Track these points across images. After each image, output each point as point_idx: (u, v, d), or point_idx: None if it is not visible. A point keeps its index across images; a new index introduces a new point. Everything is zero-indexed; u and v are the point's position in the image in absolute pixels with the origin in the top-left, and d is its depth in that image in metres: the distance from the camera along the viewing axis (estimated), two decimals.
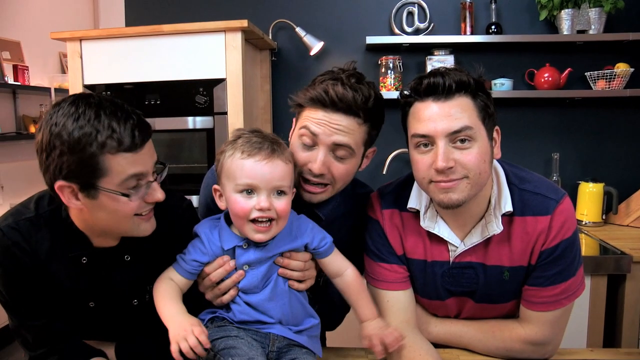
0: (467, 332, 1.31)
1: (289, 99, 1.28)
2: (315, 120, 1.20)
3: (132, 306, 1.23)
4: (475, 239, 1.22)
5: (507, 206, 1.19)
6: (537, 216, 1.19)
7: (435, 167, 1.12)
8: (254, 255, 1.13)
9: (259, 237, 1.09)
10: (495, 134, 1.19)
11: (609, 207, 2.61)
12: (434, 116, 1.12)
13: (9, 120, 4.05)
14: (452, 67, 1.18)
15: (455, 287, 1.27)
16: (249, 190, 1.08)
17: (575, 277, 1.21)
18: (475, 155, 1.12)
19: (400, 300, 1.30)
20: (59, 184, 1.02)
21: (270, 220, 1.08)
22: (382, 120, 1.30)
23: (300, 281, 1.19)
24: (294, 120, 1.31)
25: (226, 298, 1.15)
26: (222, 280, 1.15)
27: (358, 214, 1.39)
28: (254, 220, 1.08)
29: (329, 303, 1.35)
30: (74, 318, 1.19)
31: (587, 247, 2.29)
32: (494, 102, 1.18)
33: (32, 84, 4.30)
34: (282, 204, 1.09)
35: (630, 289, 2.13)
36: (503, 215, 1.20)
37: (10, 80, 4.10)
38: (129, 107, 1.06)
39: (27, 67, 4.28)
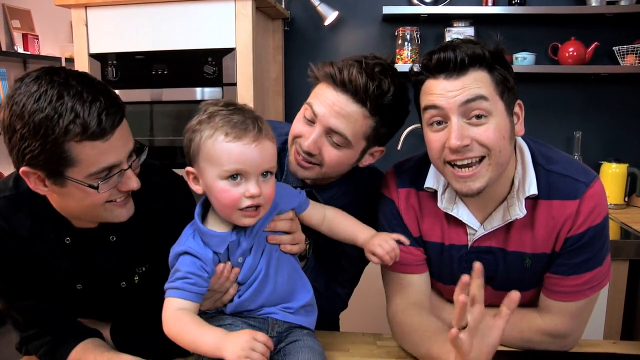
0: None
1: (309, 68, 1.21)
2: (321, 98, 1.15)
3: (120, 289, 1.17)
4: (496, 222, 1.15)
5: (532, 189, 1.11)
6: (564, 200, 1.10)
7: (449, 146, 1.03)
8: (246, 244, 1.05)
9: (248, 221, 1.02)
10: (517, 109, 1.10)
11: (633, 188, 2.51)
12: (446, 92, 1.04)
13: None
14: (466, 38, 1.09)
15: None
16: (235, 176, 0.99)
17: (602, 267, 1.13)
18: (492, 130, 1.03)
19: (414, 284, 1.23)
20: (23, 169, 0.94)
21: (258, 206, 1.01)
22: (399, 122, 1.22)
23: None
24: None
25: (227, 298, 1.07)
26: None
27: (365, 207, 1.30)
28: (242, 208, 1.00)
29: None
30: (63, 300, 1.14)
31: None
32: (514, 75, 1.08)
33: (43, 53, 4.25)
34: (269, 187, 1.01)
35: None
36: (527, 199, 1.11)
37: (20, 50, 4.06)
38: (101, 85, 0.95)
39: (38, 36, 4.23)
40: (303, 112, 1.19)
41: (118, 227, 1.10)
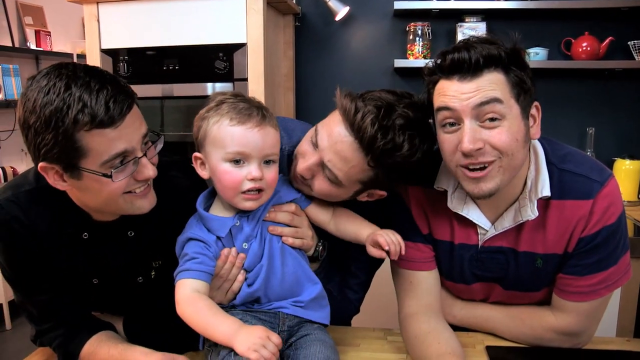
0: (494, 317, 1.23)
1: (337, 92, 1.11)
2: (328, 129, 1.09)
3: (137, 284, 1.18)
4: (507, 223, 1.13)
5: (545, 190, 1.08)
6: (577, 200, 1.08)
7: (462, 149, 1.00)
8: (249, 229, 1.07)
9: (249, 204, 1.04)
10: (534, 111, 1.06)
11: None
12: (460, 94, 1.00)
13: None
14: (483, 36, 1.04)
15: (483, 272, 1.19)
16: (238, 160, 1.01)
17: (618, 266, 1.10)
18: (506, 134, 1.00)
19: (424, 281, 1.22)
20: (41, 165, 0.95)
21: (260, 190, 1.03)
22: (408, 177, 1.16)
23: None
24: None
25: (236, 286, 1.08)
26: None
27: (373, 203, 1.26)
28: (244, 191, 1.02)
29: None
30: (78, 294, 1.14)
31: (627, 229, 2.18)
32: (532, 75, 1.04)
33: (55, 49, 4.28)
34: (272, 173, 1.04)
35: None
36: (539, 199, 1.09)
37: (33, 46, 4.09)
38: (109, 75, 0.95)
39: (50, 32, 4.26)
40: (312, 132, 1.14)
41: (136, 222, 1.10)
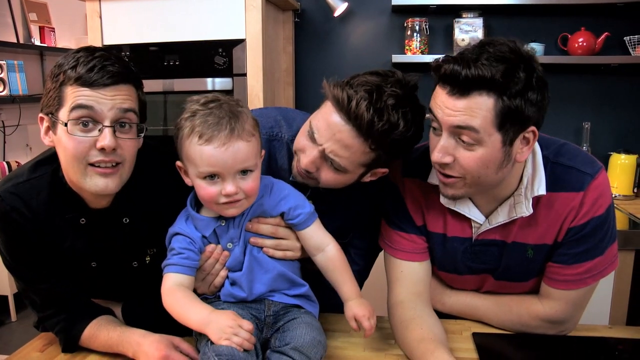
0: (482, 305, 1.27)
1: (324, 84, 1.13)
2: (323, 121, 1.10)
3: (132, 268, 1.22)
4: (501, 218, 1.15)
5: (541, 189, 1.09)
6: (569, 192, 1.10)
7: (431, 158, 1.04)
8: (233, 231, 1.10)
9: (230, 212, 1.06)
10: (529, 135, 1.02)
11: None
12: (444, 107, 1.00)
13: (37, 81, 4.09)
14: (500, 42, 0.98)
15: (476, 264, 1.22)
16: (212, 176, 1.02)
17: (604, 256, 1.13)
18: (476, 159, 1.00)
19: (414, 272, 1.25)
20: (39, 115, 1.07)
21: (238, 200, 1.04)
22: (406, 151, 1.18)
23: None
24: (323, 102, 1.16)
25: (218, 281, 1.12)
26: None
27: (370, 193, 1.29)
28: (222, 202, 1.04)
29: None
30: (78, 278, 1.19)
31: (616, 221, 2.20)
32: (541, 99, 0.99)
33: (59, 45, 4.33)
34: (249, 183, 1.03)
35: None
36: (533, 196, 1.11)
37: (38, 42, 4.13)
38: (117, 55, 1.06)
39: (54, 28, 4.30)
40: (307, 126, 1.14)
41: (130, 210, 1.15)
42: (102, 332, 1.16)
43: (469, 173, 1.03)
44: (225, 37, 2.27)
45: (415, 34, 2.63)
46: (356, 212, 1.32)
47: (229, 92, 2.29)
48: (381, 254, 1.34)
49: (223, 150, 0.99)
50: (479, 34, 2.57)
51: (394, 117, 1.06)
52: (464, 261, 1.23)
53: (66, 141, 1.01)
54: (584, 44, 2.50)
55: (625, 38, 2.51)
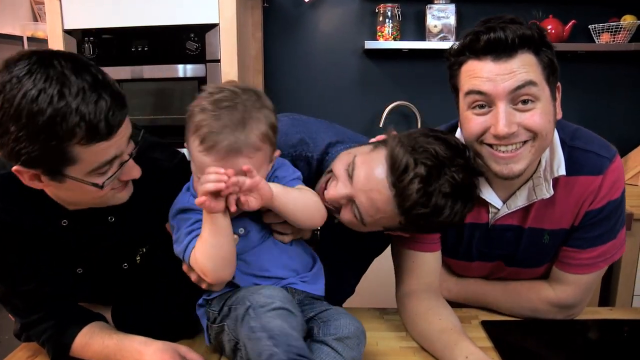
0: (491, 291, 1.26)
1: (389, 130, 1.08)
2: (365, 169, 1.03)
3: (122, 270, 1.13)
4: (520, 202, 1.13)
5: (561, 170, 1.09)
6: (588, 176, 1.10)
7: (496, 133, 0.99)
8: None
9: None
10: (556, 91, 1.06)
11: None
12: (494, 75, 0.98)
13: None
14: (508, 17, 1.01)
15: (491, 250, 1.21)
16: None
17: (616, 240, 1.15)
18: (540, 116, 0.99)
19: (427, 262, 1.22)
20: (16, 168, 0.87)
21: None
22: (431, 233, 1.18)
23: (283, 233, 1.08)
24: None
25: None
26: None
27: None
28: None
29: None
30: (63, 285, 1.09)
31: None
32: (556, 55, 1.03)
33: (3, 32, 4.04)
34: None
35: (629, 247, 2.11)
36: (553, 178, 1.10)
37: None
38: (100, 74, 0.87)
39: None
40: (350, 157, 1.06)
41: (116, 208, 1.05)
42: (95, 340, 1.06)
43: (539, 132, 1.00)
44: (197, 21, 2.17)
45: (387, 20, 2.61)
46: (363, 248, 1.29)
47: (201, 79, 2.20)
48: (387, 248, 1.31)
49: (221, 164, 0.91)
50: (451, 21, 2.58)
51: (440, 203, 0.99)
52: (478, 247, 1.21)
53: (85, 192, 0.92)
54: (552, 31, 2.53)
55: (589, 26, 2.57)
